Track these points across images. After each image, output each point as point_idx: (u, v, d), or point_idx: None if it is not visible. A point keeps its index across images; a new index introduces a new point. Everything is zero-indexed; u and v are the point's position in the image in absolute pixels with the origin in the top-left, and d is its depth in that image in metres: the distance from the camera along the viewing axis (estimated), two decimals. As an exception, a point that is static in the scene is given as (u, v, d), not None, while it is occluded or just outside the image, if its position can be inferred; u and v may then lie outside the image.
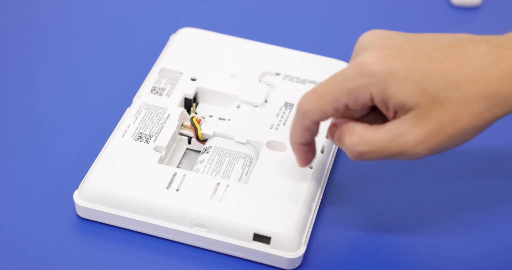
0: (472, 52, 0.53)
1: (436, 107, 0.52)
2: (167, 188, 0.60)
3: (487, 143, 0.70)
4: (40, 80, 0.72)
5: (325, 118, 0.55)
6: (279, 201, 0.60)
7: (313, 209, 0.61)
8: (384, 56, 0.53)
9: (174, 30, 0.74)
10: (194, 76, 0.69)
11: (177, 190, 0.60)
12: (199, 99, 0.69)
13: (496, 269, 0.61)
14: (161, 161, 0.63)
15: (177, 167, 0.65)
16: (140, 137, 0.63)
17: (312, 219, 0.61)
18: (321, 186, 0.63)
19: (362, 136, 0.54)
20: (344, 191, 0.65)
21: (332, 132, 0.57)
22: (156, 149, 0.63)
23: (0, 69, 0.73)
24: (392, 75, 0.52)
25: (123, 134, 0.64)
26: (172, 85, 0.68)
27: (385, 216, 0.63)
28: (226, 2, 0.83)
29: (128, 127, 0.64)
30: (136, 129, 0.64)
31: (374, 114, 0.57)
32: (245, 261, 0.60)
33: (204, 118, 0.67)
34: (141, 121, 0.65)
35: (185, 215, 0.59)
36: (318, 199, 0.63)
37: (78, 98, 0.71)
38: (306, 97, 0.56)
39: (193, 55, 0.71)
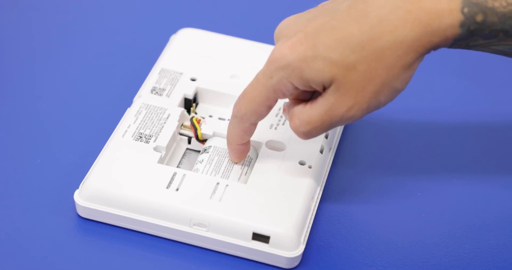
0: (369, 7, 0.54)
1: (350, 73, 0.54)
2: (167, 187, 0.61)
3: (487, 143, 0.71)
4: (41, 81, 0.73)
5: (261, 117, 0.59)
6: (278, 201, 0.60)
7: (312, 208, 0.62)
8: (290, 44, 0.55)
9: (174, 30, 0.75)
10: (194, 76, 0.70)
11: (177, 189, 0.60)
12: (199, 99, 0.69)
13: None
14: (161, 161, 0.63)
15: (177, 167, 0.65)
16: (140, 137, 0.64)
17: (311, 218, 0.61)
18: (320, 185, 0.64)
19: (301, 118, 0.57)
20: (343, 191, 0.65)
21: (285, 115, 0.60)
22: (156, 149, 0.63)
23: (2, 70, 0.74)
24: (301, 61, 0.55)
25: (123, 134, 0.64)
26: (172, 85, 0.69)
27: (384, 215, 0.64)
28: (226, 3, 0.83)
29: (128, 127, 0.65)
30: (136, 129, 0.64)
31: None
32: (244, 260, 0.60)
33: (204, 118, 0.68)
34: (141, 121, 0.65)
35: (184, 214, 0.59)
36: (317, 198, 0.63)
37: (79, 99, 0.71)
38: (239, 101, 0.59)
39: (193, 56, 0.71)
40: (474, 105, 0.74)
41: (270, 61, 0.56)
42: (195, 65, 0.70)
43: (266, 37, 0.76)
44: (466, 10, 0.54)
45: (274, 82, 0.56)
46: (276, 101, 0.58)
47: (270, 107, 0.58)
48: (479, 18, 0.54)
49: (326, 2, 0.59)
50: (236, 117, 0.59)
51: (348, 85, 0.55)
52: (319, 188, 0.63)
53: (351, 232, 0.63)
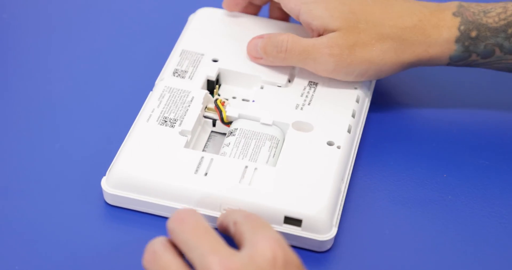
0: (397, 3, 0.65)
1: (354, 34, 0.63)
2: (195, 172, 0.60)
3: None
4: (61, 65, 0.72)
5: None
6: (308, 183, 0.59)
7: (343, 190, 0.61)
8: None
9: (193, 10, 0.73)
10: (215, 57, 0.68)
11: (206, 174, 0.60)
12: (222, 81, 0.68)
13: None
14: (187, 145, 0.62)
15: (203, 150, 0.64)
16: (165, 121, 0.63)
17: (342, 200, 0.60)
18: (349, 166, 0.63)
19: (291, 36, 0.65)
20: (371, 172, 0.64)
21: (255, 42, 0.67)
22: (181, 133, 0.62)
23: (22, 52, 0.73)
24: (323, 2, 0.64)
25: (148, 119, 0.63)
26: (194, 67, 0.67)
27: (411, 195, 0.63)
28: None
29: (152, 112, 0.63)
30: (161, 113, 0.63)
31: None
32: (276, 245, 0.59)
33: (227, 99, 0.67)
34: (165, 105, 0.64)
35: (214, 199, 0.59)
36: (347, 180, 0.62)
37: (100, 83, 0.70)
38: None
39: (214, 36, 0.70)
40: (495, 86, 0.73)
41: None
42: (216, 45, 0.69)
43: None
44: (462, 27, 0.63)
45: None
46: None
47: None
48: (473, 33, 0.63)
49: None
50: None
51: (346, 39, 0.63)
52: (348, 169, 0.62)
53: (379, 213, 0.62)
